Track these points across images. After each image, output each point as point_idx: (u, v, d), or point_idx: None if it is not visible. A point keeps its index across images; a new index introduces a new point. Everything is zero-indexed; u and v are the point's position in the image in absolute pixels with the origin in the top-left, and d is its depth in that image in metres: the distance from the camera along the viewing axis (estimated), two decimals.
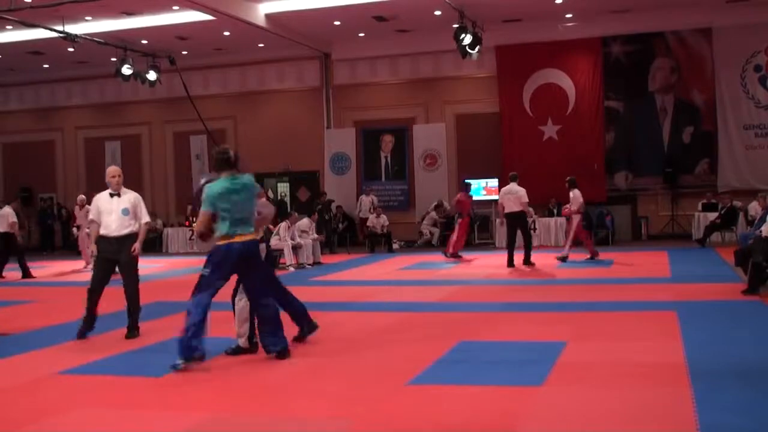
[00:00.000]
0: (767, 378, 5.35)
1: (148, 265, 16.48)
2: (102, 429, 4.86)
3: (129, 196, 8.00)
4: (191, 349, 6.18)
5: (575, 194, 13.99)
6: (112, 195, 7.93)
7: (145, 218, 8.07)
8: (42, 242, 22.62)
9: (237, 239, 6.28)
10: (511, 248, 13.53)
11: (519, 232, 13.67)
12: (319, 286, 11.79)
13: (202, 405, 5.24)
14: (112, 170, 8.02)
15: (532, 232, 14.48)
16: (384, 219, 18.44)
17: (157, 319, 8.98)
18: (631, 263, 13.39)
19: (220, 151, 6.42)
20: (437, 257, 15.54)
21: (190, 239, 19.80)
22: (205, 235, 6.43)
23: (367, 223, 18.60)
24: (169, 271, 15.29)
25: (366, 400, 5.20)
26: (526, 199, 13.50)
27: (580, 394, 5.11)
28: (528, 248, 13.59)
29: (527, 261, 13.47)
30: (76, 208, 16.52)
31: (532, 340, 6.92)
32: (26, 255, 15.27)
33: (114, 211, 7.86)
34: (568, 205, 14.14)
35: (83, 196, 16.26)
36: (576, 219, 14.07)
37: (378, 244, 18.43)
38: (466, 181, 15.70)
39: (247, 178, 6.51)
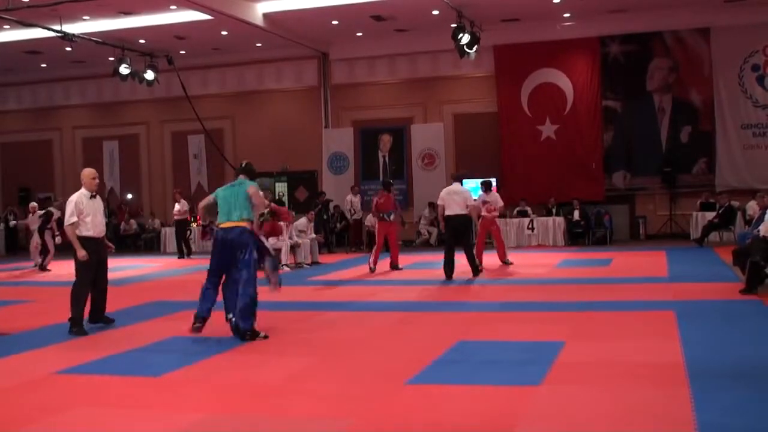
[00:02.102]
0: (765, 377, 5.35)
1: (145, 265, 16.58)
2: (100, 428, 4.85)
3: (100, 198, 8.38)
4: None
5: (496, 197, 13.84)
6: (92, 196, 8.16)
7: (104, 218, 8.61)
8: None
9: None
10: (450, 255, 11.76)
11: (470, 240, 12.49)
12: (318, 286, 11.78)
13: (201, 405, 5.23)
14: (93, 172, 8.27)
15: (529, 231, 14.30)
16: None
17: (155, 318, 9.00)
18: (629, 263, 13.39)
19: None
20: (436, 257, 15.52)
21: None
22: None
23: (365, 223, 18.55)
24: (166, 271, 15.28)
25: (365, 400, 5.20)
26: (473, 201, 12.17)
27: (579, 394, 5.11)
28: (471, 258, 12.03)
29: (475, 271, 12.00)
30: (29, 214, 17.17)
31: (531, 340, 6.92)
32: (24, 255, 15.37)
33: (99, 212, 8.20)
34: (488, 206, 13.11)
35: (35, 203, 17.41)
36: (496, 221, 13.93)
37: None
38: (389, 180, 14.46)
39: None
